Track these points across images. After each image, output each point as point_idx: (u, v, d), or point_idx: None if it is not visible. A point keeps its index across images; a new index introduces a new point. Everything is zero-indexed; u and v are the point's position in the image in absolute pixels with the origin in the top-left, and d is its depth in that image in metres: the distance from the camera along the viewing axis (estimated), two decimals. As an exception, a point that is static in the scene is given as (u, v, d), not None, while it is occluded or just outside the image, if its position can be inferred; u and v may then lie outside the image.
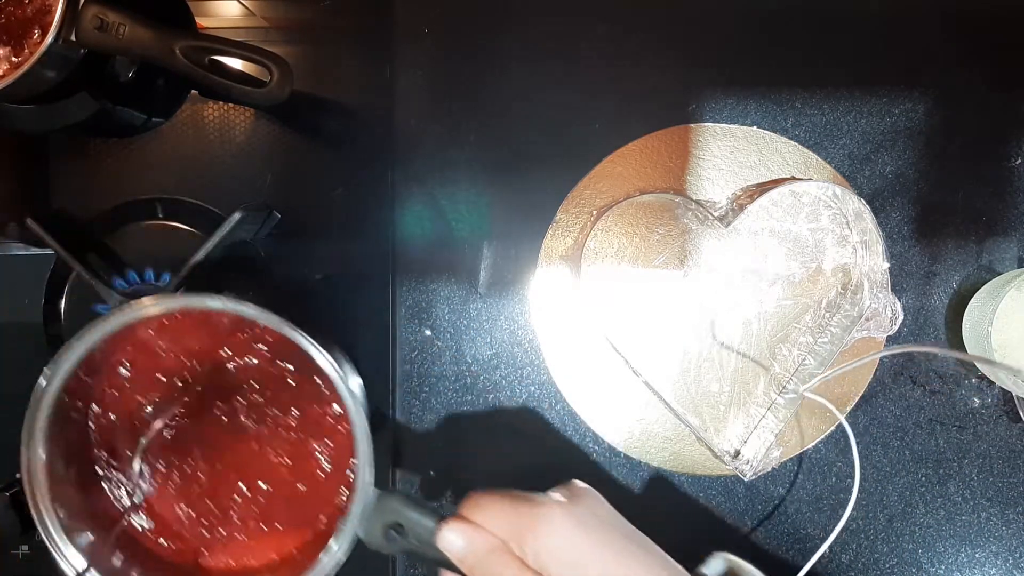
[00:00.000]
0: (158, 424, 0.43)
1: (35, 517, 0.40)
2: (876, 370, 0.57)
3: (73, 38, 0.46)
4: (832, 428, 0.57)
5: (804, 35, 0.58)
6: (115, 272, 0.58)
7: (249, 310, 0.40)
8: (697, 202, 0.56)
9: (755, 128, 0.58)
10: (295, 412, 0.43)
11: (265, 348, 0.44)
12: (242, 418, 0.44)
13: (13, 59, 0.47)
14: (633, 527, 0.43)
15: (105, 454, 0.44)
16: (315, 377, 0.43)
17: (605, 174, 0.58)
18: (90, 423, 0.43)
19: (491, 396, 0.59)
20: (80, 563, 0.40)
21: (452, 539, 0.39)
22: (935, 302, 0.58)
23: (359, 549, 0.39)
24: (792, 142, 0.57)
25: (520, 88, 0.58)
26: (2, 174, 0.59)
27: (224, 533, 0.43)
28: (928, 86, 0.57)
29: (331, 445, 0.43)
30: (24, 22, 0.47)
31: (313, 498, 0.43)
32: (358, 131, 0.59)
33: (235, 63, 0.52)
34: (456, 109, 0.59)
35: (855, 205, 0.54)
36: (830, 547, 0.58)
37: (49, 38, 0.45)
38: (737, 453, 0.56)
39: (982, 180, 0.57)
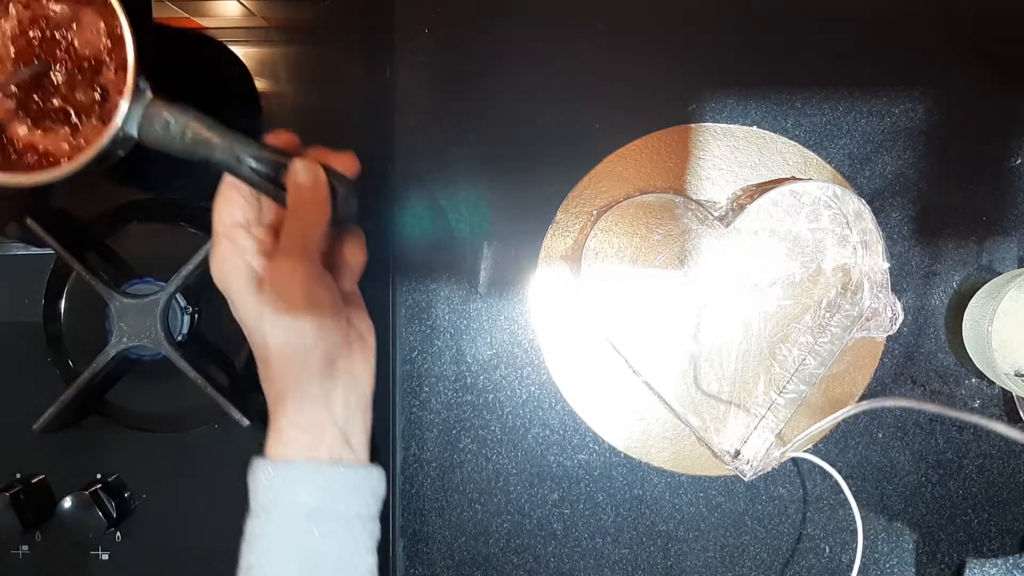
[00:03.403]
0: None
1: None
2: (876, 370, 0.57)
3: (134, 133, 0.41)
4: (832, 428, 0.57)
5: (804, 35, 0.58)
6: (115, 272, 0.58)
7: None
8: (697, 202, 0.56)
9: (755, 128, 0.58)
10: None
11: None
12: None
13: (72, 141, 0.43)
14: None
15: None
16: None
17: (605, 174, 0.58)
18: None
19: (491, 396, 0.59)
20: None
21: (300, 170, 0.42)
22: (935, 302, 0.58)
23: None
24: (792, 142, 0.57)
25: (520, 88, 0.58)
26: (2, 174, 0.59)
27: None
28: (928, 86, 0.57)
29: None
30: (85, 102, 0.43)
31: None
32: (358, 131, 0.59)
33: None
34: (456, 109, 0.59)
35: (855, 205, 0.54)
36: (830, 547, 0.58)
37: (111, 131, 0.41)
38: (737, 453, 0.56)
39: (982, 180, 0.57)
